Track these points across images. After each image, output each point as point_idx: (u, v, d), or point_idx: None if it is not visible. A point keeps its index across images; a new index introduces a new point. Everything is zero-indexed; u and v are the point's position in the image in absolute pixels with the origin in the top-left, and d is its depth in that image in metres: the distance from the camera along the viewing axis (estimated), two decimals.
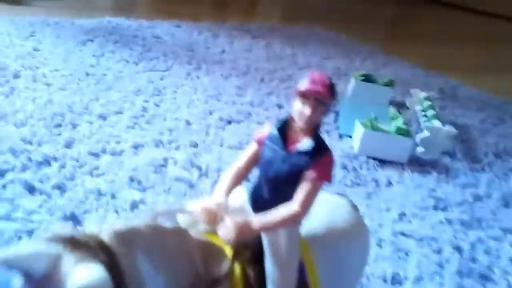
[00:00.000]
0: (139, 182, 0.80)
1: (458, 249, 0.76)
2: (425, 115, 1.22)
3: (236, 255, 0.37)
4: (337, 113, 1.20)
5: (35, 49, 1.35)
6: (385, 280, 0.66)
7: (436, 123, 1.12)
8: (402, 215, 0.83)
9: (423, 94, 1.32)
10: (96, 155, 0.86)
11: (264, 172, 0.39)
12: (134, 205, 0.74)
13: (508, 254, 0.77)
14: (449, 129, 1.08)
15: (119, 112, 1.05)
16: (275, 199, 0.38)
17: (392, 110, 1.16)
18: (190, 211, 0.38)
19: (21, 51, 1.32)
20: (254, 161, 0.40)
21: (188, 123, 1.06)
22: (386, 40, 2.56)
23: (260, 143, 0.40)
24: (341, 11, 3.06)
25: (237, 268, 0.36)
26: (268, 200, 0.39)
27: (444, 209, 0.88)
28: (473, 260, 0.74)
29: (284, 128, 0.39)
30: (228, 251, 0.37)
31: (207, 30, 1.89)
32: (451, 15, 3.61)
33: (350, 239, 0.47)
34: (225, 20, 2.22)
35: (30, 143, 0.86)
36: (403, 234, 0.77)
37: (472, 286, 0.69)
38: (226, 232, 0.35)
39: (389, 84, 1.40)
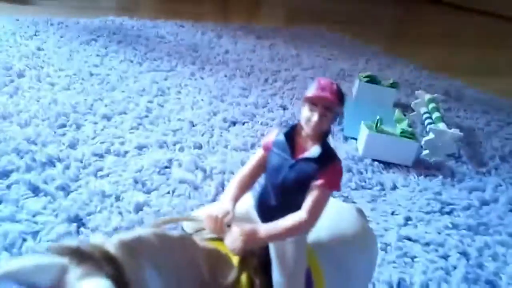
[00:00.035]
0: (144, 184, 0.80)
1: (465, 254, 0.75)
2: (430, 117, 1.21)
3: (243, 264, 0.36)
4: (341, 115, 1.20)
5: (39, 49, 1.35)
6: (391, 286, 0.66)
7: (441, 125, 1.11)
8: (407, 219, 0.83)
9: (428, 96, 1.31)
10: (100, 156, 0.86)
11: (271, 179, 0.39)
12: (138, 207, 0.73)
13: None
14: (454, 131, 1.07)
15: (123, 113, 1.05)
16: (282, 206, 0.38)
17: (397, 112, 1.15)
18: (196, 218, 0.38)
19: (25, 51, 1.32)
20: (261, 167, 0.40)
21: (192, 124, 1.05)
22: (390, 41, 2.55)
23: (267, 149, 0.40)
24: (345, 12, 3.05)
25: (244, 277, 0.36)
26: (275, 207, 0.38)
27: (450, 213, 0.87)
28: (480, 266, 0.73)
29: (292, 135, 0.38)
30: (235, 260, 0.36)
31: (211, 30, 1.89)
32: (456, 15, 3.60)
33: (356, 245, 0.46)
34: (229, 20, 2.22)
35: (35, 143, 0.86)
36: (409, 238, 0.77)
37: None
38: (232, 240, 0.35)
39: (394, 86, 1.39)
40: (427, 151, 1.07)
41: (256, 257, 0.37)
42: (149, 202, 0.75)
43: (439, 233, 0.80)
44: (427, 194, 0.92)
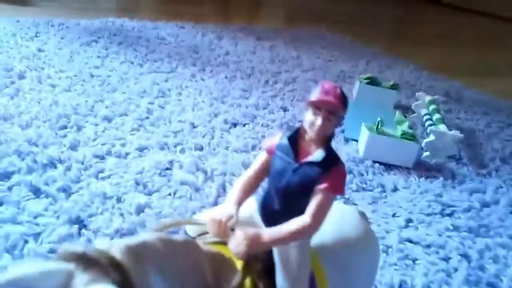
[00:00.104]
0: (145, 186, 0.80)
1: (466, 256, 0.75)
2: (430, 119, 1.21)
3: (247, 268, 0.36)
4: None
5: (40, 50, 1.35)
6: None
7: (442, 127, 1.12)
8: (408, 221, 0.83)
9: (428, 98, 1.31)
10: (101, 157, 0.86)
11: (274, 182, 0.39)
12: (139, 209, 0.73)
13: None
14: (455, 133, 1.07)
15: (124, 114, 1.05)
16: (286, 210, 0.38)
17: (398, 114, 1.15)
18: (199, 222, 0.38)
19: (26, 52, 1.32)
20: (265, 171, 0.40)
21: (193, 125, 1.05)
22: (390, 41, 2.55)
23: (271, 152, 0.39)
24: (345, 13, 3.05)
25: (248, 281, 0.36)
26: (278, 211, 0.38)
27: (450, 215, 0.87)
28: (481, 268, 0.73)
29: (295, 138, 0.38)
30: (239, 264, 0.36)
31: (211, 32, 1.89)
32: (454, 16, 3.60)
33: (360, 248, 0.46)
34: (229, 21, 2.22)
35: (36, 145, 0.85)
36: (410, 241, 0.77)
37: None
38: (236, 244, 0.35)
39: (394, 87, 1.39)
40: (427, 153, 1.08)
41: (260, 261, 0.37)
42: (150, 203, 0.75)
43: (440, 235, 0.80)
44: (428, 196, 0.92)
